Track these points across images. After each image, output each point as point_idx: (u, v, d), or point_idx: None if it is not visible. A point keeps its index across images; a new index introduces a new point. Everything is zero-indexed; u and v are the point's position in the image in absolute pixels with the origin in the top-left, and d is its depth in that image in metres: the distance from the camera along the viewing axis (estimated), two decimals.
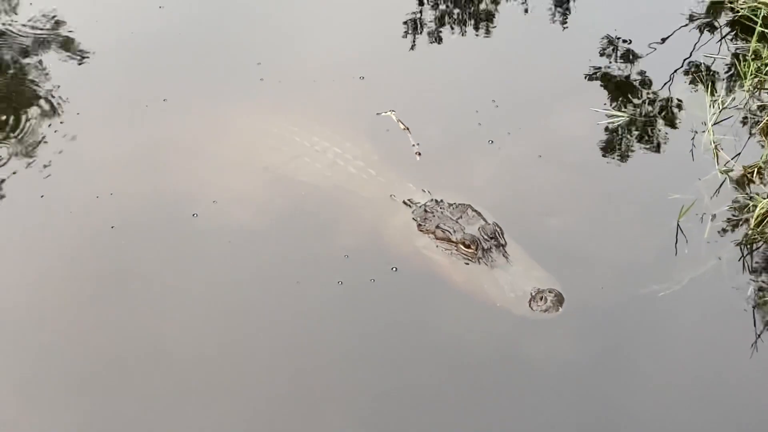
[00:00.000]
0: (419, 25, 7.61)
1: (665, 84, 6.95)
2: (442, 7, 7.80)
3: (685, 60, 7.14)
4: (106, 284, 5.64)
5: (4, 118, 6.62)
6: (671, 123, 6.67)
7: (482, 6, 7.79)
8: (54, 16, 7.54)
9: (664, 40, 7.32)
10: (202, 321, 5.48)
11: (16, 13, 7.59)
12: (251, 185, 6.10)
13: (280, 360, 5.32)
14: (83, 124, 6.60)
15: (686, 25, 7.46)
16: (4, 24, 7.46)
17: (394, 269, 5.65)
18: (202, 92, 6.81)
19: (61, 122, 6.62)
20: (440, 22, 7.66)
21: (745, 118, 6.56)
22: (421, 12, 7.72)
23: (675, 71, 7.04)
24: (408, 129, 6.48)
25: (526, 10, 7.73)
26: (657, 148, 6.52)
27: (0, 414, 5.14)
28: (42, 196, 6.10)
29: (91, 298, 5.59)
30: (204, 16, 7.55)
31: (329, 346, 5.39)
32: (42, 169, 6.28)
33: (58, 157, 6.37)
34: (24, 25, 7.45)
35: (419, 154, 6.35)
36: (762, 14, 6.93)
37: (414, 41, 7.49)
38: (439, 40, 7.51)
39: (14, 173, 6.26)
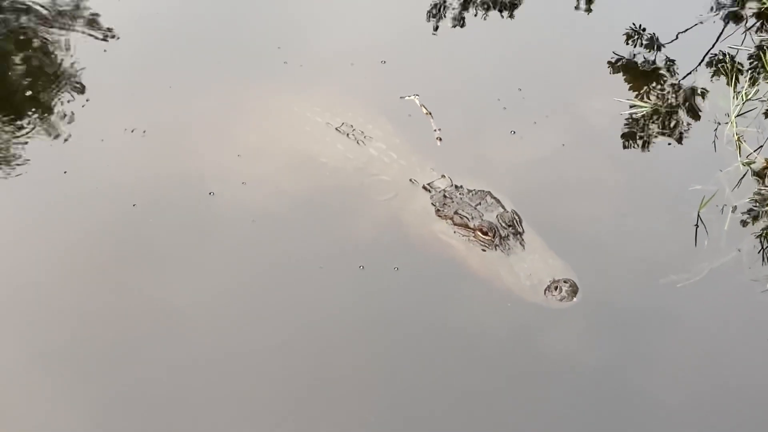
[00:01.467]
0: (442, 10, 7.59)
1: (689, 74, 6.92)
2: None
3: (709, 51, 7.10)
4: (127, 262, 5.69)
5: (29, 93, 6.67)
6: (694, 114, 6.65)
7: None
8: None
9: (687, 30, 7.28)
10: (223, 302, 5.52)
11: None
12: (273, 166, 6.12)
13: (300, 341, 5.36)
14: (107, 102, 6.64)
15: (711, 15, 7.41)
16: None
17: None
18: (226, 74, 6.81)
19: (87, 99, 6.67)
20: (463, 6, 7.64)
21: None
22: None
23: (699, 62, 7.01)
24: (430, 114, 6.48)
25: None
26: (679, 139, 6.50)
27: (18, 385, 5.22)
28: (65, 172, 6.16)
29: (111, 274, 5.64)
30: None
31: (347, 330, 5.44)
32: (65, 146, 6.33)
33: (81, 135, 6.41)
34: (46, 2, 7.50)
35: (440, 139, 6.36)
36: None
37: (436, 26, 7.48)
38: (462, 24, 7.49)
39: (38, 149, 6.31)
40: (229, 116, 6.48)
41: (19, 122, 6.48)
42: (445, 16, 7.55)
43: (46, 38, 7.18)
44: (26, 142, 6.36)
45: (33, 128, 6.44)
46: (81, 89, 6.75)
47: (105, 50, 7.10)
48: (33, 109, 6.56)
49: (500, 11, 7.60)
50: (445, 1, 7.66)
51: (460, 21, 7.52)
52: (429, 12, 7.57)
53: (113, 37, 7.22)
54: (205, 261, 5.70)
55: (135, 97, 6.65)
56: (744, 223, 5.85)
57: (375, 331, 5.44)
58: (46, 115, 6.53)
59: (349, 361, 5.30)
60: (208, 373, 5.24)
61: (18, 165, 6.24)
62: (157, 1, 7.49)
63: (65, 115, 6.54)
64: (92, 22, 7.35)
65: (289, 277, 5.65)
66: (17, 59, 6.95)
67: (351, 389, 5.19)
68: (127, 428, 5.07)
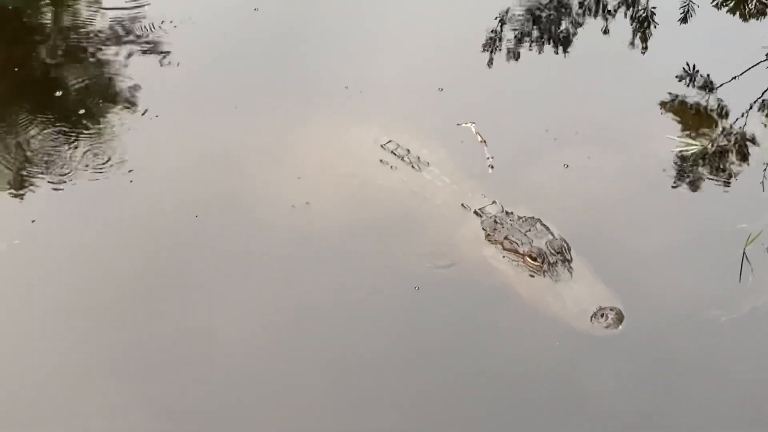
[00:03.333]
0: (498, 43, 7.77)
1: (741, 116, 7.00)
2: (521, 26, 7.94)
3: (762, 95, 7.17)
4: (176, 282, 5.83)
5: (97, 106, 6.89)
6: (743, 155, 6.72)
7: (562, 27, 7.92)
8: (146, 15, 7.81)
9: (741, 74, 7.36)
10: (273, 322, 5.64)
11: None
12: (330, 188, 6.28)
13: (348, 365, 5.49)
14: (171, 119, 6.84)
15: (765, 59, 7.49)
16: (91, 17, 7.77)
17: None
18: (288, 98, 6.99)
19: (151, 117, 6.87)
20: (518, 40, 7.81)
21: None
22: (500, 29, 7.87)
23: (751, 105, 7.08)
24: (485, 142, 6.63)
25: (605, 34, 7.86)
26: (728, 178, 6.57)
27: (54, 399, 5.38)
28: (131, 181, 6.40)
29: (159, 295, 5.79)
30: (293, 22, 7.73)
31: (397, 355, 5.56)
32: (127, 168, 6.52)
33: (145, 153, 6.60)
34: (114, 20, 7.75)
35: (492, 167, 6.50)
36: None
37: (492, 58, 7.64)
38: (517, 57, 7.65)
39: (104, 164, 6.54)
40: (290, 139, 6.64)
41: (87, 138, 6.68)
42: (501, 49, 7.72)
43: (108, 58, 7.41)
44: (96, 154, 6.58)
45: (102, 143, 6.67)
46: (146, 107, 6.94)
47: (172, 69, 7.33)
48: (96, 126, 6.76)
49: (555, 46, 7.76)
50: (501, 35, 7.83)
51: (515, 54, 7.69)
52: (486, 44, 7.75)
53: (182, 56, 7.42)
54: (259, 280, 5.84)
55: (198, 118, 6.83)
56: None
57: (426, 356, 5.54)
58: (107, 130, 6.75)
59: (400, 385, 5.41)
60: (254, 401, 5.32)
61: (85, 177, 6.46)
62: (223, 25, 7.66)
63: (129, 130, 6.75)
64: (161, 41, 7.56)
65: (340, 300, 5.76)
66: (83, 80, 7.18)
67: (403, 414, 5.29)
68: None
